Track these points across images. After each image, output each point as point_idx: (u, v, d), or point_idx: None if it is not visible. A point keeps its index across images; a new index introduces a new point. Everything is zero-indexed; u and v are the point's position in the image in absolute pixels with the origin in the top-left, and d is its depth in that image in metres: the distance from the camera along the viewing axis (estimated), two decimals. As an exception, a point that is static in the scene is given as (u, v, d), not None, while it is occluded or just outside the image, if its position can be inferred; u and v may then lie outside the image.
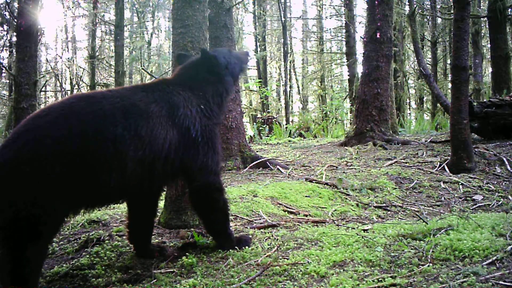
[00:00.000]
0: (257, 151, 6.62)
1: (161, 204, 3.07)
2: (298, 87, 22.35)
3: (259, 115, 15.52)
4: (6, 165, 1.93)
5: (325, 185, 4.31)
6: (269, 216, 3.23)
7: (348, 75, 15.53)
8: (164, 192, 3.07)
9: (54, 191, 1.96)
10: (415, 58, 11.13)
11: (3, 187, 1.93)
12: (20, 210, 1.91)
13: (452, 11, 7.67)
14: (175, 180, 2.50)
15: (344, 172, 4.99)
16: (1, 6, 10.72)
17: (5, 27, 11.61)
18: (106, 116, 2.12)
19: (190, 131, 2.31)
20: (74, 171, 2.00)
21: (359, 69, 13.97)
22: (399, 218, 3.42)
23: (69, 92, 19.05)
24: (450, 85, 11.35)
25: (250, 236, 2.62)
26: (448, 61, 18.36)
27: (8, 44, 12.28)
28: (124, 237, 2.70)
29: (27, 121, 2.10)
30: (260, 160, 5.66)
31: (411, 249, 2.11)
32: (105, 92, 2.35)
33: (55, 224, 2.06)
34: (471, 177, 4.57)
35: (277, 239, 2.58)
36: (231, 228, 2.55)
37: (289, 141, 9.53)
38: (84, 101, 2.19)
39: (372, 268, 1.96)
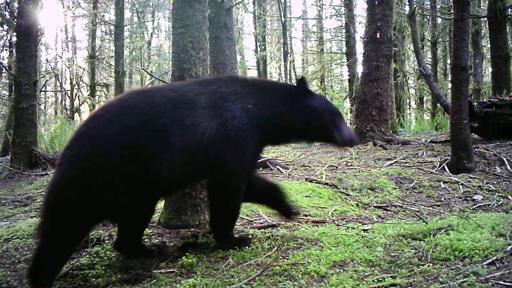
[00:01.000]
0: (257, 151, 6.61)
1: (161, 204, 3.07)
2: (298, 87, 22.28)
3: (259, 115, 15.47)
4: (69, 164, 2.10)
5: (325, 185, 4.31)
6: (269, 216, 3.23)
7: (348, 75, 15.51)
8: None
9: (111, 186, 2.08)
10: (415, 58, 11.12)
11: (64, 183, 2.07)
12: (75, 203, 2.05)
13: (452, 11, 7.67)
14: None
15: (344, 172, 4.99)
16: (1, 6, 10.72)
17: (5, 27, 11.61)
18: (157, 108, 2.21)
19: (225, 125, 2.31)
20: (130, 164, 2.11)
21: (359, 69, 13.96)
22: (399, 218, 3.42)
23: (69, 92, 19.06)
24: (450, 85, 11.36)
25: (250, 236, 2.62)
26: (448, 61, 18.35)
27: (8, 44, 12.28)
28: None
29: (88, 120, 2.26)
30: (260, 160, 5.66)
31: (411, 249, 2.11)
32: (162, 86, 2.48)
33: (101, 218, 2.24)
34: (471, 177, 4.57)
35: (277, 239, 2.57)
36: (233, 231, 2.55)
37: (289, 141, 9.51)
38: (140, 95, 2.31)
39: (372, 268, 1.95)
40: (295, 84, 2.61)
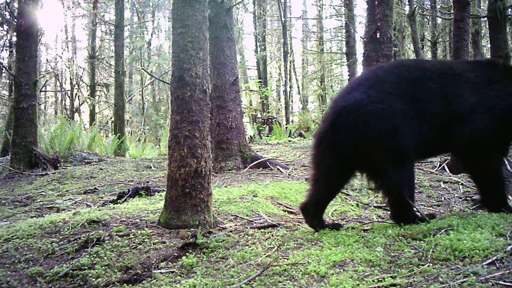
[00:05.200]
0: (257, 151, 6.62)
1: (161, 204, 3.07)
2: (298, 87, 22.36)
3: (259, 115, 15.52)
4: (357, 105, 2.48)
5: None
6: (269, 216, 3.23)
7: (348, 75, 15.52)
8: (165, 192, 3.08)
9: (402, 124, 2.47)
10: (415, 58, 11.10)
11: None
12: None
13: (452, 11, 7.68)
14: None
15: (344, 172, 4.98)
16: (1, 6, 10.73)
17: (5, 27, 11.62)
18: (432, 71, 2.63)
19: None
20: (412, 113, 2.48)
21: (359, 69, 13.97)
22: (399, 218, 3.41)
23: (69, 92, 19.06)
24: (450, 85, 11.31)
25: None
26: (448, 61, 18.30)
27: (8, 44, 12.29)
28: (124, 237, 2.70)
29: (367, 73, 2.80)
30: (260, 160, 5.66)
31: (411, 249, 2.11)
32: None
33: (412, 153, 2.57)
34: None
35: (277, 239, 2.57)
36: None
37: (289, 141, 9.53)
38: (412, 61, 2.91)
39: (372, 268, 1.95)
40: None
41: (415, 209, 2.61)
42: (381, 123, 2.47)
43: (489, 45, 11.99)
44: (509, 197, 3.99)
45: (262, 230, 2.85)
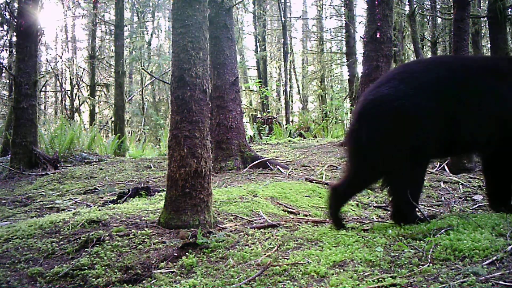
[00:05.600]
0: (257, 151, 6.62)
1: (161, 204, 3.07)
2: (298, 87, 22.36)
3: (259, 115, 15.52)
4: (382, 100, 2.44)
5: (325, 185, 4.31)
6: (269, 216, 3.23)
7: (348, 75, 15.52)
8: (165, 192, 3.08)
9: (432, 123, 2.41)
10: (415, 58, 11.11)
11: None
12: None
13: (452, 11, 7.67)
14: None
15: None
16: (1, 6, 10.73)
17: (5, 27, 11.63)
18: (474, 69, 2.56)
19: None
20: (442, 112, 2.40)
21: (359, 69, 13.98)
22: (399, 218, 3.41)
23: (69, 92, 19.07)
24: (450, 85, 11.29)
25: None
26: (448, 61, 18.26)
27: (8, 44, 12.30)
28: (124, 237, 2.70)
29: (402, 66, 2.81)
30: (260, 160, 5.66)
31: (411, 249, 2.11)
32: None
33: (430, 153, 2.54)
34: (471, 177, 4.57)
35: (277, 239, 2.57)
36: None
37: (289, 141, 9.54)
38: (452, 57, 2.91)
39: (372, 268, 1.95)
40: None
41: (416, 209, 2.59)
42: (403, 122, 2.39)
43: (489, 45, 11.99)
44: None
45: (262, 230, 2.85)
